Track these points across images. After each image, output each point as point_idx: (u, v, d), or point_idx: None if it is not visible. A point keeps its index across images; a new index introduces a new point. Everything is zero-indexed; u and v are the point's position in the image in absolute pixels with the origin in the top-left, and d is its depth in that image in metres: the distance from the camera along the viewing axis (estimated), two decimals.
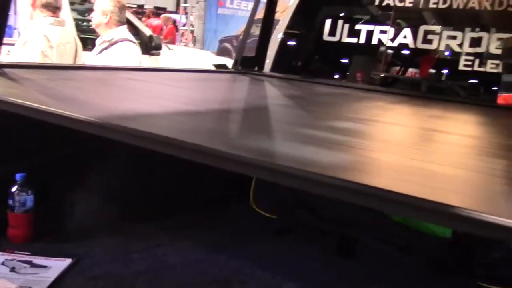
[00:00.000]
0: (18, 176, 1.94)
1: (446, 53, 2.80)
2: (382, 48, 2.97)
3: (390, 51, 3.09)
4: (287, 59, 3.17)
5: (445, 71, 2.91)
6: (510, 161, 1.08)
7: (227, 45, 11.75)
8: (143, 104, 1.44)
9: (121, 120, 1.06)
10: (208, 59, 7.08)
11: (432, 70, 3.05)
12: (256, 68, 2.94)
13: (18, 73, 1.86)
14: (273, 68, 3.06)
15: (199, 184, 2.36)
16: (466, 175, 0.88)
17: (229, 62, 3.34)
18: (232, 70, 2.87)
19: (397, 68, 3.25)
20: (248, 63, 2.91)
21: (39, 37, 3.58)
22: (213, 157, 0.88)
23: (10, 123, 1.87)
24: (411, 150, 1.16)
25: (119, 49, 3.79)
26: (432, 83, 2.80)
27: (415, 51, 2.84)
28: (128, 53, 3.84)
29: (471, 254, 2.04)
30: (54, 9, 3.89)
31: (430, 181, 0.80)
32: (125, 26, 3.99)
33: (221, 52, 10.94)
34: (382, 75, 2.94)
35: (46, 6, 3.68)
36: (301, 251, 2.12)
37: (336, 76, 3.07)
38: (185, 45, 11.77)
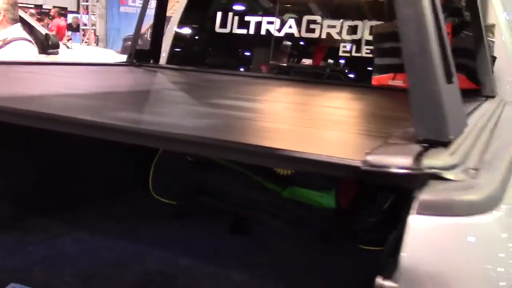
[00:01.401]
0: None
1: (336, 42, 3.01)
2: (282, 40, 3.13)
3: (288, 43, 3.27)
4: (182, 52, 3.25)
5: (330, 59, 3.13)
6: (376, 123, 1.26)
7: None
8: (32, 91, 1.48)
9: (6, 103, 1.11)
10: (110, 58, 6.99)
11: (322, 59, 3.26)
12: (151, 61, 3.00)
13: None
14: (169, 61, 3.13)
15: (96, 175, 2.39)
16: (313, 131, 1.04)
17: None
18: (127, 63, 2.91)
19: (291, 58, 3.44)
20: (143, 57, 2.96)
21: None
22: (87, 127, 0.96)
23: None
24: (281, 118, 1.32)
25: (15, 48, 3.70)
26: (318, 70, 3.01)
27: (310, 41, 3.02)
28: (24, 51, 3.76)
29: (351, 221, 2.25)
30: None
31: (282, 136, 0.94)
32: (19, 25, 3.89)
33: (125, 50, 10.79)
34: (272, 63, 3.11)
35: None
36: (197, 232, 2.23)
37: (229, 66, 3.20)
38: (88, 45, 11.48)
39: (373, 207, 2.17)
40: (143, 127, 0.94)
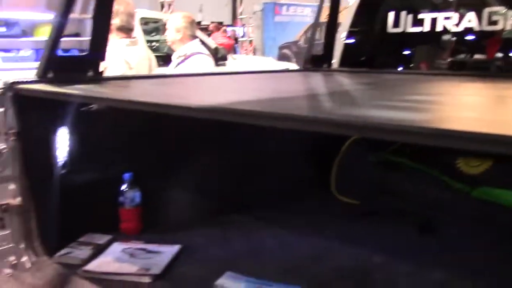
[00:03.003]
0: (126, 176, 2.19)
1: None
2: (446, 36, 3.04)
3: (454, 38, 3.16)
4: (353, 55, 3.30)
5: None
6: None
7: (286, 51, 11.98)
8: (239, 95, 1.64)
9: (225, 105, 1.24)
10: (270, 64, 7.32)
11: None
12: (324, 66, 3.10)
13: (122, 83, 2.14)
14: (341, 64, 3.20)
15: (284, 175, 2.54)
16: None
17: (290, 66, 3.51)
18: (303, 68, 3.04)
19: (463, 54, 3.30)
20: (317, 61, 3.08)
21: (119, 62, 3.85)
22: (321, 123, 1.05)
23: (118, 130, 2.14)
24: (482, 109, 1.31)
25: (194, 62, 4.06)
26: (498, 63, 2.85)
27: (481, 34, 2.89)
28: (202, 65, 4.11)
29: None
30: (128, 30, 4.19)
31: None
32: (197, 40, 4.26)
33: (281, 58, 11.17)
34: (449, 60, 3.01)
35: (121, 29, 3.91)
36: (384, 231, 2.24)
37: (403, 67, 3.17)
38: (246, 54, 12.11)
39: None
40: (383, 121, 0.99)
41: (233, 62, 6.68)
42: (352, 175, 2.61)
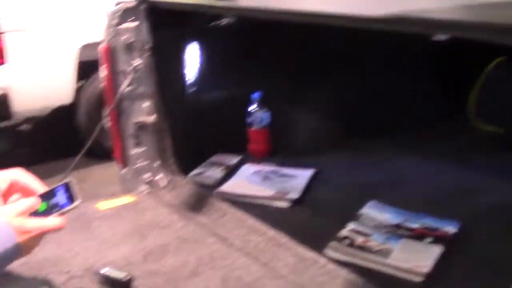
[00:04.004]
0: (255, 96, 2.09)
1: None
2: None
3: None
4: None
5: None
6: None
7: None
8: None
9: None
10: None
11: None
12: None
13: None
14: None
15: (418, 98, 2.33)
16: None
17: None
18: None
19: None
20: None
21: None
22: None
23: (247, 47, 2.02)
24: None
25: None
26: None
27: None
28: None
29: None
30: None
31: None
32: None
33: None
34: None
35: None
36: None
37: None
38: None
39: None
40: None
41: None
42: (495, 101, 2.34)
